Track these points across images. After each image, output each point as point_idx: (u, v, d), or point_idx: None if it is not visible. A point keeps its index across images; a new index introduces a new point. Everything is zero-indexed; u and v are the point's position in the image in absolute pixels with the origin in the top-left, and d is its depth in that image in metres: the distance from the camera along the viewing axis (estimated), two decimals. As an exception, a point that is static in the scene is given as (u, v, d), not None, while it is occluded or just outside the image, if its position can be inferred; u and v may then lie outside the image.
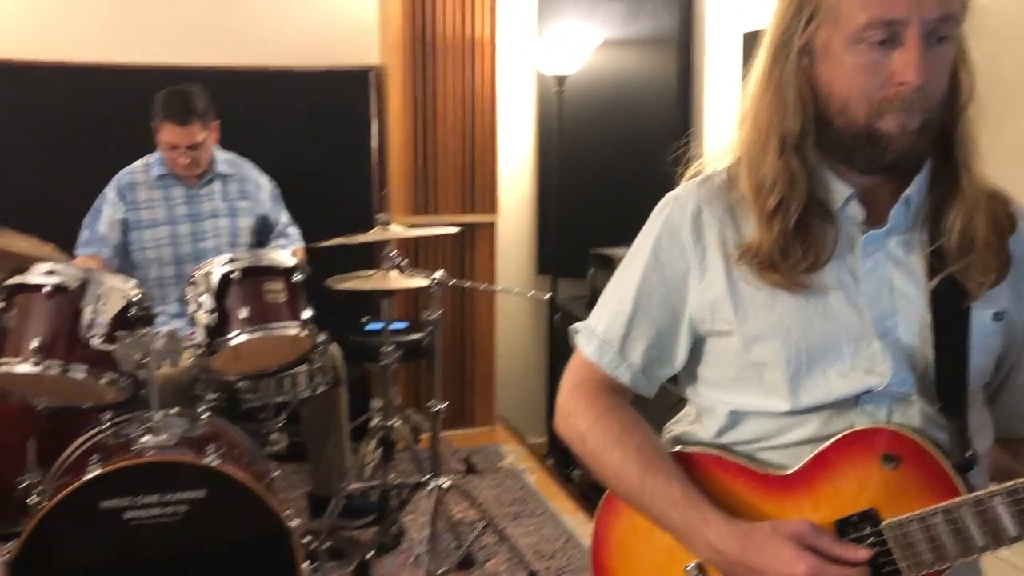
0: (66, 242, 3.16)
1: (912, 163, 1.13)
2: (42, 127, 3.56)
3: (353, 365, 3.28)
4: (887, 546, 1.06)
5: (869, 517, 1.07)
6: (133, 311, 2.31)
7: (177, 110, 2.93)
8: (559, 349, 3.95)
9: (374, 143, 3.92)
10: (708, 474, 1.17)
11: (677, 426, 1.30)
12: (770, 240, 1.13)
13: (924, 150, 1.12)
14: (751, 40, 3.10)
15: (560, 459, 4.05)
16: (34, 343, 2.19)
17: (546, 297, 3.19)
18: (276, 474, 2.45)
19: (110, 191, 3.06)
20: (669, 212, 1.24)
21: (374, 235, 2.62)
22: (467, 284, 2.90)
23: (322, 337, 2.64)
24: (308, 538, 2.35)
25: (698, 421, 1.26)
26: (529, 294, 2.85)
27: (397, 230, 2.66)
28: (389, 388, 3.05)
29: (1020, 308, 1.17)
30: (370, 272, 2.79)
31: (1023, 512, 0.99)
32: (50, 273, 2.24)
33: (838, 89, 1.09)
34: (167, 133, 2.95)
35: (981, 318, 1.13)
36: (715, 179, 1.24)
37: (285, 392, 2.63)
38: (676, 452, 1.21)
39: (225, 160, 3.14)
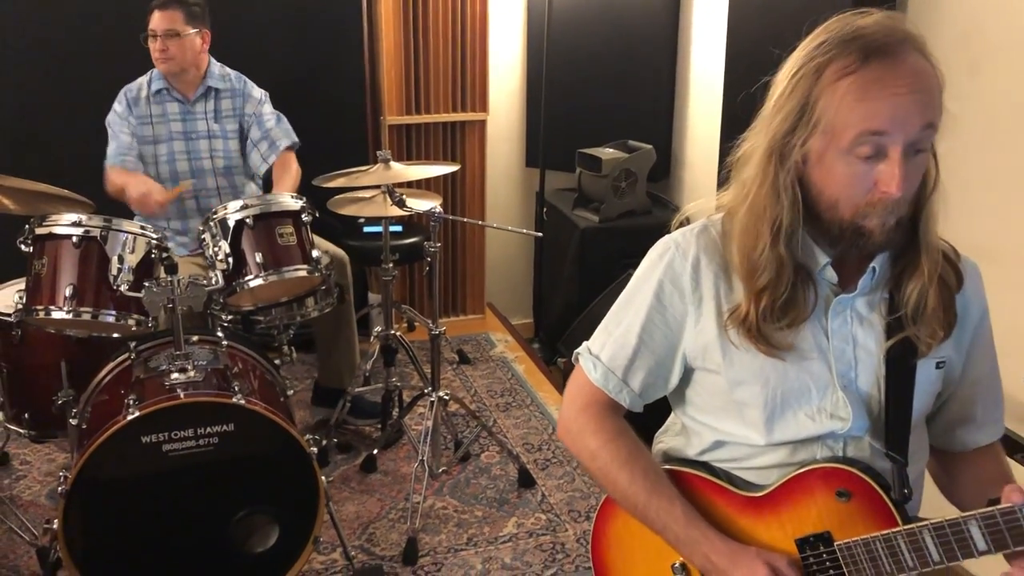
0: (69, 161, 3.26)
1: (885, 248, 1.30)
2: (32, 46, 3.55)
3: (352, 265, 3.44)
4: (838, 563, 1.31)
5: (824, 538, 1.31)
6: (155, 254, 2.46)
7: None
8: (545, 240, 4.13)
9: (365, 45, 3.92)
10: (695, 491, 1.41)
11: (665, 437, 1.53)
12: (755, 313, 1.31)
13: (897, 240, 1.29)
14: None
15: (545, 343, 4.32)
16: (67, 291, 2.36)
17: (538, 235, 3.32)
18: (291, 393, 2.69)
19: (118, 105, 3.12)
20: (671, 258, 1.40)
21: (375, 175, 2.74)
22: (464, 220, 3.02)
23: (328, 260, 2.80)
24: (314, 437, 2.59)
25: (684, 436, 1.49)
26: (523, 231, 2.99)
27: (398, 168, 2.77)
28: (389, 302, 3.26)
29: (959, 355, 1.40)
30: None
31: (945, 542, 1.23)
32: (76, 224, 2.38)
33: (829, 191, 1.25)
34: (151, 22, 3.00)
35: (926, 368, 1.35)
36: (711, 231, 1.40)
37: (294, 316, 2.81)
38: (668, 470, 1.43)
39: (219, 75, 3.18)
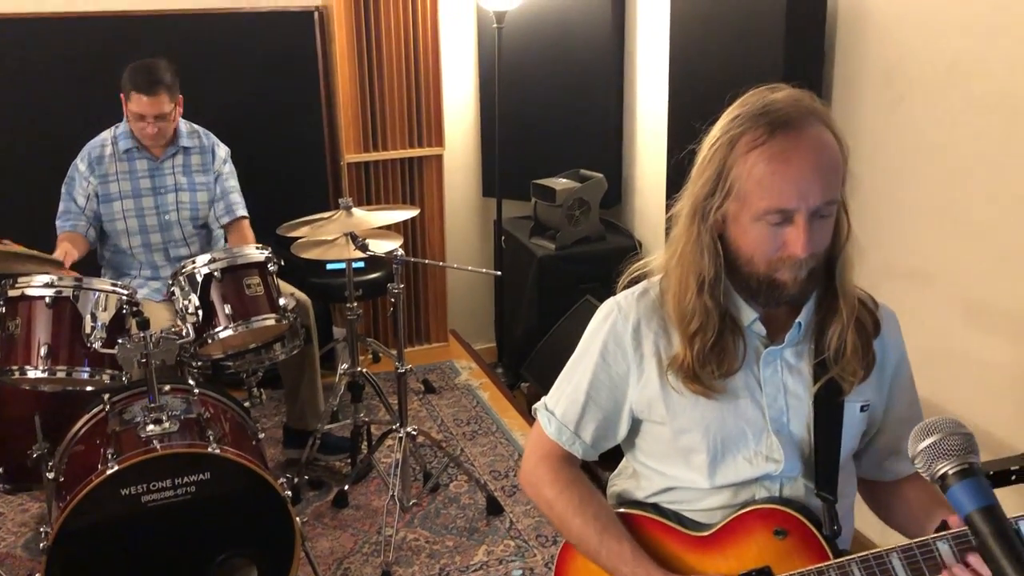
0: (41, 199, 3.33)
1: (802, 299, 1.44)
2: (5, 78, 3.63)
3: (316, 302, 3.53)
4: (778, 594, 1.44)
5: (764, 573, 1.44)
6: (127, 310, 2.55)
7: (144, 81, 3.04)
8: (505, 267, 4.25)
9: (321, 83, 4.03)
10: (646, 532, 1.53)
11: (618, 480, 1.66)
12: (690, 356, 1.44)
13: (812, 288, 1.43)
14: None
15: (509, 367, 4.44)
16: (42, 350, 2.44)
17: (497, 274, 3.45)
18: (262, 436, 2.78)
19: (81, 163, 3.19)
20: (613, 321, 1.53)
21: (337, 223, 2.84)
22: (425, 262, 3.13)
23: (294, 303, 2.90)
24: (287, 476, 2.67)
25: (635, 480, 1.61)
26: (483, 271, 3.11)
27: (360, 215, 2.88)
28: (354, 339, 3.36)
29: (880, 397, 1.54)
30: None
31: (870, 574, 1.36)
32: (49, 285, 2.45)
33: (744, 247, 1.39)
34: (135, 104, 3.07)
35: (852, 410, 1.49)
36: (651, 293, 1.53)
37: (262, 361, 2.90)
38: (621, 513, 1.55)
39: (187, 133, 3.27)
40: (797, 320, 1.46)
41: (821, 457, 1.47)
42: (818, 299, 1.47)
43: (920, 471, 1.07)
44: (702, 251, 1.41)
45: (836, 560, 1.39)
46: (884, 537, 2.47)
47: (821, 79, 2.89)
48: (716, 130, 1.40)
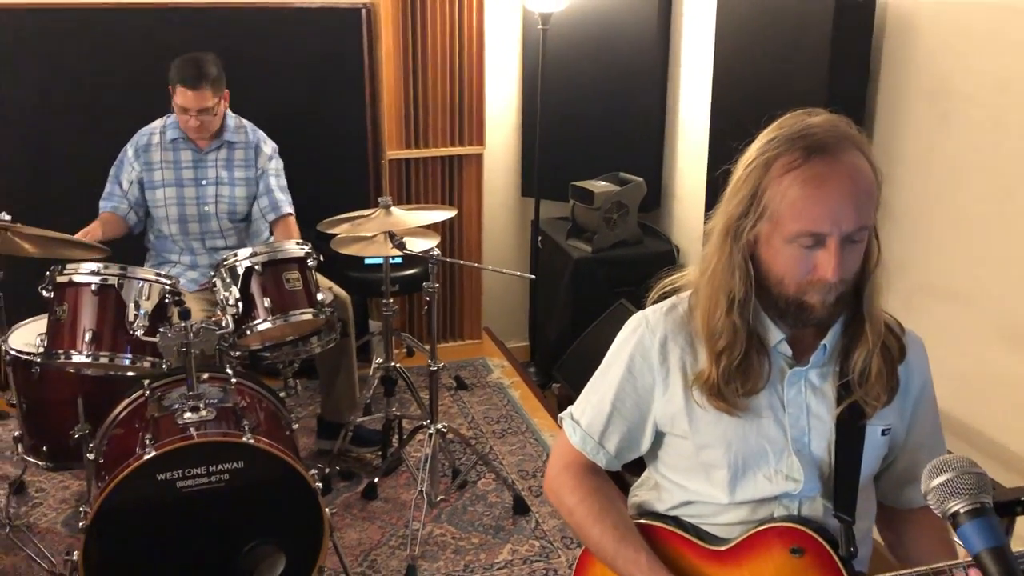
0: (84, 183, 3.42)
1: (830, 321, 1.45)
2: (53, 69, 3.72)
3: (354, 295, 3.58)
4: (793, 611, 1.46)
5: (779, 590, 1.46)
6: (169, 299, 2.62)
7: (189, 75, 3.12)
8: (540, 267, 4.29)
9: (366, 80, 4.08)
10: (665, 543, 1.55)
11: (640, 491, 1.68)
12: (716, 373, 1.46)
13: (840, 312, 1.44)
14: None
15: (541, 367, 4.47)
16: (87, 336, 2.51)
17: (531, 278, 3.47)
18: (296, 426, 2.83)
19: (130, 149, 3.29)
20: (640, 335, 1.55)
21: (376, 221, 2.89)
22: (461, 262, 3.17)
23: (331, 297, 2.96)
24: (318, 466, 2.73)
25: (656, 492, 1.63)
26: (517, 274, 3.14)
27: (399, 214, 2.92)
28: (389, 334, 3.41)
29: (902, 422, 1.55)
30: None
31: (885, 595, 1.38)
32: (95, 273, 2.53)
33: (775, 269, 1.41)
34: (179, 96, 3.14)
35: (873, 434, 1.50)
36: (679, 309, 1.55)
37: (299, 353, 2.96)
38: (641, 523, 1.58)
39: (234, 127, 3.34)
40: (823, 342, 1.48)
41: (841, 478, 1.48)
42: (845, 322, 1.48)
43: (932, 507, 1.08)
44: (733, 270, 1.43)
45: (852, 581, 1.40)
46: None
47: (865, 92, 2.88)
48: (752, 151, 1.42)
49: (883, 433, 1.51)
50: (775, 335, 1.48)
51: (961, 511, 1.04)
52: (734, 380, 1.46)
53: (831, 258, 1.35)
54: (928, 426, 1.58)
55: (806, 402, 1.49)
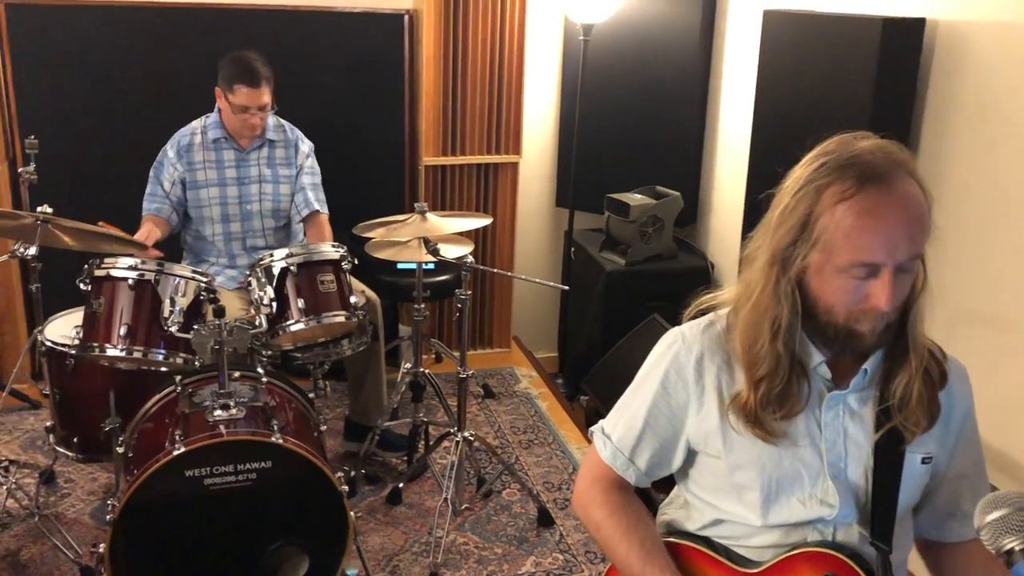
0: (129, 183, 3.46)
1: (876, 348, 1.42)
2: (103, 66, 3.77)
3: (384, 299, 3.59)
4: (823, 639, 1.43)
5: (811, 616, 1.43)
6: (204, 297, 2.63)
7: (248, 74, 3.15)
8: (572, 278, 4.27)
9: (406, 86, 4.09)
10: (693, 563, 1.53)
11: (669, 509, 1.66)
12: (753, 400, 1.43)
13: (887, 339, 1.41)
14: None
15: (569, 379, 4.45)
16: (122, 330, 2.53)
17: (564, 288, 3.46)
18: (324, 428, 2.84)
19: (170, 150, 3.31)
20: (676, 351, 1.53)
21: (411, 226, 2.89)
22: (494, 271, 3.17)
23: (364, 301, 2.97)
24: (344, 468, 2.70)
25: (686, 510, 1.61)
26: (550, 284, 3.12)
27: (434, 220, 2.92)
28: (419, 340, 3.40)
29: (943, 451, 1.51)
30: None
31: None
32: (132, 268, 2.55)
33: (824, 298, 1.38)
34: (240, 96, 3.16)
35: (912, 461, 1.46)
36: (717, 326, 1.53)
37: (329, 355, 2.96)
38: (670, 542, 1.56)
39: (274, 126, 3.36)
40: (864, 367, 1.45)
41: (878, 505, 1.45)
42: (888, 347, 1.45)
43: (985, 543, 1.05)
44: (780, 299, 1.40)
45: (886, 612, 1.37)
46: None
47: (911, 114, 2.84)
48: (800, 176, 1.38)
49: (923, 461, 1.48)
50: (816, 358, 1.45)
51: (1017, 548, 1.01)
52: (772, 405, 1.43)
53: (885, 288, 1.32)
54: (971, 456, 1.54)
55: (844, 426, 1.47)
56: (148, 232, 3.10)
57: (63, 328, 2.90)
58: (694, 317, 1.57)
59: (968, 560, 1.55)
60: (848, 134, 1.39)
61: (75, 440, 2.94)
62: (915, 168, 1.36)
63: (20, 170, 3.43)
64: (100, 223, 2.85)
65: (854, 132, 1.39)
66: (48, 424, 3.02)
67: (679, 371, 1.52)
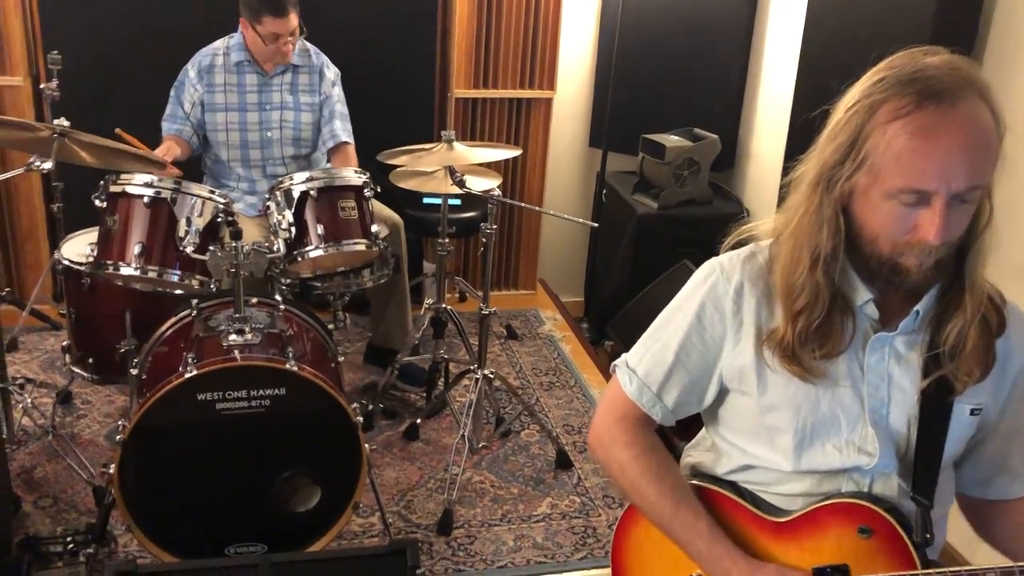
0: (145, 100, 3.37)
1: (924, 287, 1.31)
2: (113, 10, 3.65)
3: (409, 234, 3.50)
4: (853, 595, 1.34)
5: (842, 571, 1.34)
6: (222, 218, 2.55)
7: (273, 4, 3.04)
8: (602, 221, 4.15)
9: (439, 13, 3.95)
10: (718, 508, 1.44)
11: (694, 451, 1.57)
12: (791, 334, 1.33)
13: (937, 278, 1.29)
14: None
15: (594, 324, 4.36)
16: (136, 248, 2.47)
17: (594, 225, 3.34)
18: (342, 359, 2.77)
19: (192, 69, 3.21)
20: (714, 282, 1.43)
21: (438, 155, 2.78)
22: (522, 205, 3.06)
23: (386, 231, 2.88)
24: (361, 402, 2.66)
25: (713, 453, 1.52)
26: (580, 220, 3.01)
27: (461, 149, 2.82)
28: (443, 275, 3.32)
29: (995, 403, 1.40)
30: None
31: (960, 589, 1.25)
32: (148, 185, 2.47)
33: (870, 225, 1.26)
34: (269, 26, 3.06)
35: (960, 412, 1.36)
36: (759, 257, 1.42)
37: (350, 285, 2.89)
38: (694, 485, 1.47)
39: (299, 51, 3.25)
40: (915, 308, 1.34)
41: (921, 458, 1.35)
42: (942, 289, 1.34)
43: None
44: (821, 224, 1.29)
45: (924, 572, 1.28)
46: (971, 550, 2.32)
47: (974, 41, 2.64)
48: (856, 92, 1.26)
49: (972, 413, 1.37)
50: (862, 295, 1.34)
51: None
52: (811, 342, 1.33)
53: (935, 219, 1.20)
54: None
55: (888, 371, 1.36)
56: (168, 148, 3.03)
57: (79, 247, 2.85)
58: (733, 248, 1.47)
59: (1012, 519, 1.45)
60: (917, 48, 1.26)
61: (90, 361, 2.91)
62: (988, 90, 1.23)
63: (42, 86, 3.36)
64: (117, 130, 2.77)
65: (924, 47, 1.25)
66: (64, 344, 2.98)
67: (716, 303, 1.42)
